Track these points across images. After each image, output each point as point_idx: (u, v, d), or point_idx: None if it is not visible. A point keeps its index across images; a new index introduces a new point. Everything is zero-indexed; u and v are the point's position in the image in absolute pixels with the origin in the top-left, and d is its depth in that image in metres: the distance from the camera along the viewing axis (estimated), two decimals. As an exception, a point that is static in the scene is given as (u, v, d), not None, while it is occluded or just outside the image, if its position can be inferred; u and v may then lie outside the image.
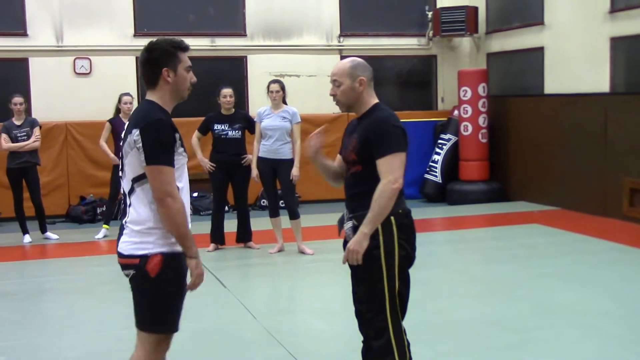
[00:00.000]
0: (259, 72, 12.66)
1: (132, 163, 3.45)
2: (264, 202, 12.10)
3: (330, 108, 13.25)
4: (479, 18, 13.56)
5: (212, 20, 12.91)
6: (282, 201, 9.02)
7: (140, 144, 3.38)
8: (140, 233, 3.47)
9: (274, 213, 8.79)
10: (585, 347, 5.35)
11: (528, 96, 12.76)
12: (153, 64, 3.53)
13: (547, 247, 8.98)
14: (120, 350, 5.59)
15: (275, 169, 8.61)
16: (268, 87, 8.72)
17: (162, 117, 3.47)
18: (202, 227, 9.52)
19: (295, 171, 8.53)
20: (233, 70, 12.86)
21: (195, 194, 12.22)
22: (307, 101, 12.38)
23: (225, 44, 12.85)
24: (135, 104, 10.21)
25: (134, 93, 11.06)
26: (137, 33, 12.45)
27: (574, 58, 11.57)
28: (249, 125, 8.92)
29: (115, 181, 10.00)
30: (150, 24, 12.53)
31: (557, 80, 12.00)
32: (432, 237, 9.69)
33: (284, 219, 8.75)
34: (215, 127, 8.83)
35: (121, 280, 7.80)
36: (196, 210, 12.11)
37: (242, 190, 8.98)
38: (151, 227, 3.46)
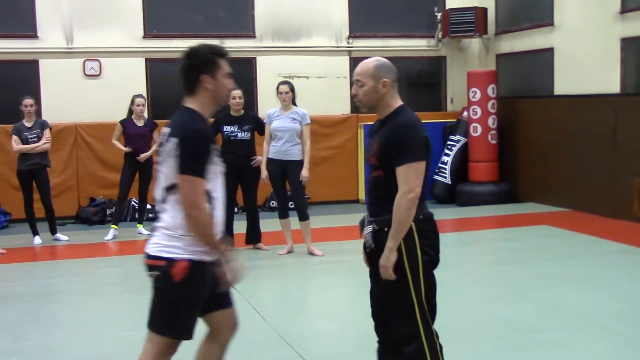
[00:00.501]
0: (268, 73, 12.67)
1: (168, 171, 3.47)
2: (273, 203, 12.11)
3: (340, 109, 13.33)
4: (488, 19, 13.53)
5: (221, 21, 12.92)
6: (291, 202, 9.02)
7: (177, 153, 3.39)
8: (170, 237, 3.48)
9: (283, 214, 8.79)
10: (595, 349, 5.33)
11: (538, 97, 12.73)
12: (193, 70, 3.53)
13: (557, 249, 8.95)
14: (129, 351, 5.60)
15: (284, 170, 8.61)
16: (277, 88, 8.72)
17: (200, 126, 3.49)
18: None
19: (304, 172, 8.53)
20: (242, 72, 12.85)
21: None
22: (317, 102, 12.38)
23: (235, 46, 12.83)
24: (145, 106, 10.27)
25: (144, 95, 11.06)
26: (147, 35, 12.48)
27: (584, 59, 11.53)
28: (258, 126, 8.92)
29: (125, 182, 10.05)
30: (160, 26, 12.55)
31: (567, 81, 11.96)
32: (441, 239, 9.62)
33: (294, 220, 8.75)
34: (225, 129, 8.84)
35: (130, 282, 7.80)
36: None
37: (252, 192, 8.99)
38: (182, 234, 3.47)
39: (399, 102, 3.90)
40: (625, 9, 10.73)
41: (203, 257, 3.48)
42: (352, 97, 3.95)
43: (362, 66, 3.88)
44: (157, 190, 3.57)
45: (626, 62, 10.80)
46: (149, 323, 3.58)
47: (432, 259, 3.87)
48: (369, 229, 3.87)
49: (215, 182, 3.53)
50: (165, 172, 3.48)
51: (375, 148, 3.83)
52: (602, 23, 11.12)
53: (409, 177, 3.68)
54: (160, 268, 3.47)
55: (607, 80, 11.02)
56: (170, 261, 3.45)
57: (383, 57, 4.00)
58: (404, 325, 3.81)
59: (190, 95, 3.57)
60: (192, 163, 3.38)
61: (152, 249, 3.54)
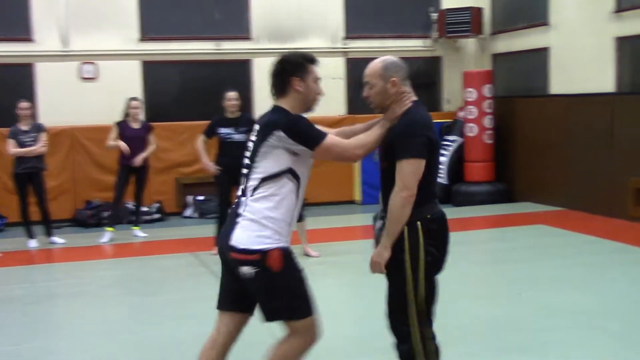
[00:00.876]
0: (265, 75, 12.63)
1: (271, 162, 3.67)
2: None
3: (336, 110, 13.32)
4: (484, 19, 13.56)
5: (217, 23, 12.92)
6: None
7: (293, 138, 3.62)
8: (259, 225, 3.61)
9: (279, 216, 8.79)
10: (592, 349, 5.34)
11: (534, 97, 12.75)
12: (284, 73, 3.79)
13: (553, 248, 8.96)
14: (128, 353, 5.62)
15: (280, 171, 8.60)
16: (273, 90, 8.71)
17: (295, 114, 3.73)
18: (207, 230, 9.56)
19: (300, 174, 8.53)
20: (238, 74, 12.88)
21: (201, 198, 12.26)
22: (313, 104, 12.37)
23: (231, 48, 12.88)
24: (140, 109, 10.27)
25: (140, 97, 11.07)
26: (143, 37, 12.49)
27: (580, 58, 11.56)
28: (254, 128, 8.90)
29: (120, 185, 10.04)
30: (156, 28, 12.55)
31: (563, 80, 11.99)
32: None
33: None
34: (221, 131, 8.84)
35: (127, 284, 7.78)
36: (202, 214, 12.15)
37: (248, 193, 8.98)
38: (269, 222, 3.62)
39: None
40: (619, 9, 10.77)
41: (286, 244, 3.68)
42: (364, 99, 3.94)
43: (370, 67, 3.89)
44: (249, 180, 3.73)
45: (621, 61, 10.83)
46: (278, 315, 3.69)
47: (436, 260, 3.83)
48: (379, 223, 3.88)
49: (305, 163, 3.75)
50: (268, 163, 3.67)
51: (385, 143, 3.83)
52: (597, 22, 11.16)
53: (405, 174, 3.67)
54: (255, 262, 3.58)
55: (603, 79, 11.05)
56: (263, 253, 3.57)
57: (379, 57, 3.98)
58: (398, 323, 3.83)
59: (281, 97, 3.81)
60: (315, 133, 3.67)
61: (240, 240, 3.61)
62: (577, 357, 5.20)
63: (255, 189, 3.68)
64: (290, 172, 3.68)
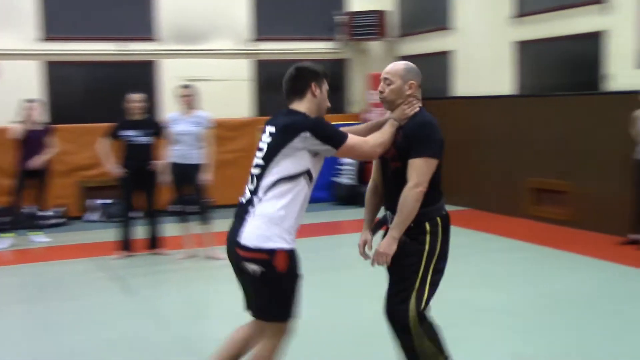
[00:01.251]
0: (170, 76, 12.50)
1: (292, 163, 3.72)
2: (175, 207, 11.95)
3: (241, 112, 13.27)
4: (392, 22, 13.76)
5: (121, 24, 12.66)
6: (193, 206, 8.93)
7: (320, 139, 3.71)
8: (271, 223, 3.69)
9: (184, 218, 8.71)
10: (492, 344, 5.48)
11: (438, 99, 12.99)
12: (303, 78, 3.91)
13: (456, 247, 9.03)
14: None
15: (186, 174, 8.52)
16: (178, 91, 8.63)
17: (312, 117, 3.83)
18: (110, 234, 9.39)
19: (206, 175, 8.48)
20: (143, 75, 12.67)
21: (107, 201, 11.98)
22: (219, 105, 12.29)
23: (136, 49, 12.66)
24: (38, 111, 9.97)
25: (40, 98, 10.75)
26: (43, 37, 12.13)
27: (481, 61, 11.88)
28: (159, 130, 8.80)
29: (19, 188, 9.72)
30: (57, 28, 12.21)
31: (466, 82, 12.29)
32: (343, 240, 9.77)
33: (196, 224, 8.68)
34: (125, 133, 8.69)
35: (26, 292, 7.52)
36: (109, 217, 11.89)
37: (152, 196, 8.88)
38: (281, 220, 3.70)
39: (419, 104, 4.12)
40: (518, 14, 11.11)
41: (292, 245, 3.75)
42: (378, 93, 4.11)
43: (392, 66, 4.08)
44: (264, 179, 3.78)
45: (520, 64, 11.17)
46: (266, 315, 3.83)
47: (444, 256, 4.11)
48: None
49: (320, 163, 3.84)
50: (286, 164, 3.73)
51: (398, 138, 3.96)
52: (497, 27, 11.49)
53: (422, 171, 3.85)
54: (263, 262, 3.66)
55: (503, 82, 11.39)
56: (272, 252, 3.66)
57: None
58: (399, 305, 4.06)
59: (298, 100, 3.89)
60: (337, 133, 3.79)
61: (250, 238, 3.69)
62: (480, 354, 5.32)
63: (269, 188, 3.76)
64: (307, 173, 3.78)
